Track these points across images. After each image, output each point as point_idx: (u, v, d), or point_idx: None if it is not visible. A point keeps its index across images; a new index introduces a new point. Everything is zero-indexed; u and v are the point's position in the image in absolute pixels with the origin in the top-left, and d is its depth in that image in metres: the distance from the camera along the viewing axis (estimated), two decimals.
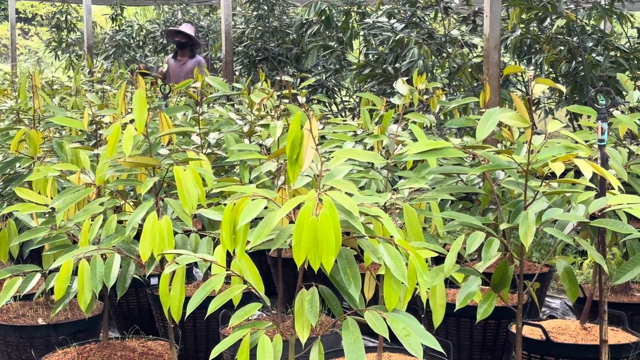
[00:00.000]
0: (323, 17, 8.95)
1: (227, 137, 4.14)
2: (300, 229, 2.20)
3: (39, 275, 3.28)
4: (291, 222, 2.49)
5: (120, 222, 3.12)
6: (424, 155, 2.77)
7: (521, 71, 3.10)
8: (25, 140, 3.90)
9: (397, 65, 7.83)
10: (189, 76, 9.32)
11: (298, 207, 2.28)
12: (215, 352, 2.39)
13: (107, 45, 12.28)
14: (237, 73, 10.17)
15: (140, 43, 12.18)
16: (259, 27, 10.10)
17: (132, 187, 3.34)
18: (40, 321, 3.89)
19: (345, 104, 9.60)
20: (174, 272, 2.55)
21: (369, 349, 3.39)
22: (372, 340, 4.52)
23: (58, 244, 3.43)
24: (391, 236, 2.35)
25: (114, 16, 12.86)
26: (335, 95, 9.60)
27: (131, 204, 3.10)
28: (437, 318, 2.81)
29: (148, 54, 12.02)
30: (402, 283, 2.29)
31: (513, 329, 3.72)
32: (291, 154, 2.35)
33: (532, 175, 2.95)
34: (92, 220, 3.01)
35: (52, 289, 3.77)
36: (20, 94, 4.32)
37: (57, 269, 3.20)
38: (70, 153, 3.80)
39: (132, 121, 3.06)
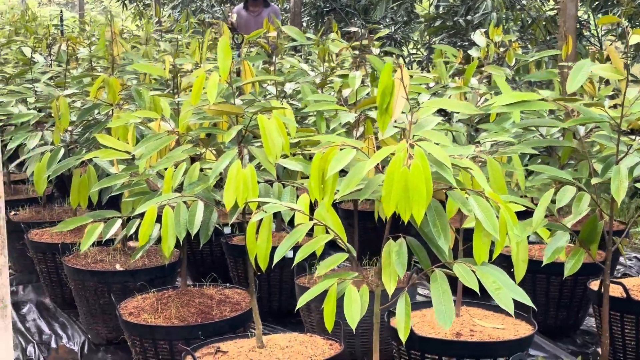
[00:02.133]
0: None
1: (303, 88, 4.11)
2: (390, 179, 2.17)
3: (120, 221, 3.31)
4: (377, 172, 2.46)
5: (200, 170, 3.12)
6: (511, 108, 2.72)
7: (617, 21, 3.01)
8: (103, 87, 3.92)
9: (469, 17, 7.71)
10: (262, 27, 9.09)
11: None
12: (302, 301, 2.38)
13: None
14: (304, 24, 10.10)
15: None
16: None
17: (212, 135, 3.34)
18: (118, 267, 3.94)
19: (414, 56, 9.50)
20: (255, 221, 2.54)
21: None
22: None
23: (137, 191, 3.46)
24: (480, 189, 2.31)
25: None
26: (403, 48, 9.49)
27: (213, 152, 3.10)
28: (519, 273, 2.77)
29: (214, 4, 11.99)
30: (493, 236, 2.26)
31: (592, 285, 3.67)
32: (381, 103, 2.32)
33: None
34: (175, 168, 3.02)
35: (130, 235, 3.82)
36: (100, 42, 4.33)
37: (138, 216, 3.24)
38: (148, 100, 3.80)
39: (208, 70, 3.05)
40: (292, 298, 4.19)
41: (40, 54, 5.92)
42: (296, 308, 2.42)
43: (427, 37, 8.77)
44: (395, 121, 2.67)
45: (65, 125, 3.95)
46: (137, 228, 3.27)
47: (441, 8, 8.11)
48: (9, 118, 4.44)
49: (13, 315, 4.33)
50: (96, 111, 4.06)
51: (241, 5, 9.25)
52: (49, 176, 3.87)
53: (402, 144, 2.22)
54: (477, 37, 4.35)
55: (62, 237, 4.43)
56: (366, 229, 5.05)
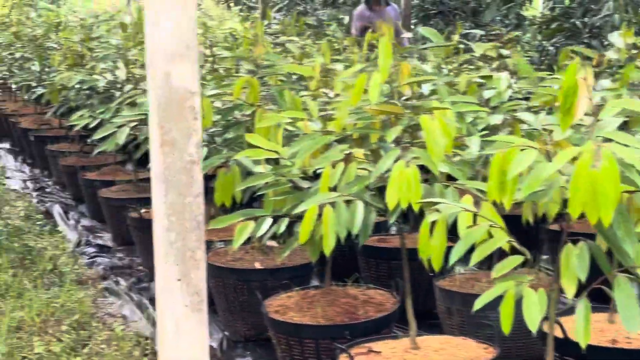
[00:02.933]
0: None
1: (440, 89, 4.08)
2: (577, 181, 2.14)
3: (270, 220, 3.33)
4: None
5: None
6: None
7: None
8: (246, 88, 3.96)
9: (585, 19, 7.57)
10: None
11: None
12: (478, 304, 2.36)
13: None
14: (411, 27, 10.07)
15: None
16: None
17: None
18: (257, 265, 3.97)
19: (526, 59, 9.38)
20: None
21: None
22: None
23: (281, 190, 3.48)
24: None
25: None
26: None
27: (367, 152, 3.10)
28: None
29: (318, 7, 12.05)
30: None
31: None
32: (564, 103, 2.28)
33: None
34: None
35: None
36: (244, 44, 4.38)
37: (286, 215, 3.28)
38: (289, 100, 3.83)
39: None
40: (427, 300, 4.15)
41: None
42: (473, 309, 2.38)
43: (540, 40, 8.64)
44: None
45: (208, 125, 4.00)
46: (287, 227, 3.31)
47: (556, 10, 7.99)
48: (146, 117, 4.51)
49: (150, 310, 4.41)
50: (236, 111, 4.10)
51: (359, 7, 9.17)
52: None
53: (589, 145, 2.18)
54: (615, 38, 4.30)
55: None
56: None
